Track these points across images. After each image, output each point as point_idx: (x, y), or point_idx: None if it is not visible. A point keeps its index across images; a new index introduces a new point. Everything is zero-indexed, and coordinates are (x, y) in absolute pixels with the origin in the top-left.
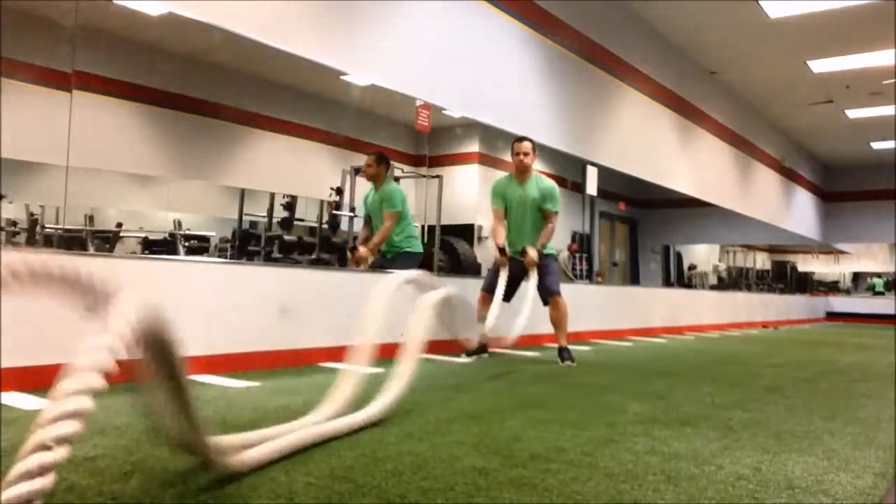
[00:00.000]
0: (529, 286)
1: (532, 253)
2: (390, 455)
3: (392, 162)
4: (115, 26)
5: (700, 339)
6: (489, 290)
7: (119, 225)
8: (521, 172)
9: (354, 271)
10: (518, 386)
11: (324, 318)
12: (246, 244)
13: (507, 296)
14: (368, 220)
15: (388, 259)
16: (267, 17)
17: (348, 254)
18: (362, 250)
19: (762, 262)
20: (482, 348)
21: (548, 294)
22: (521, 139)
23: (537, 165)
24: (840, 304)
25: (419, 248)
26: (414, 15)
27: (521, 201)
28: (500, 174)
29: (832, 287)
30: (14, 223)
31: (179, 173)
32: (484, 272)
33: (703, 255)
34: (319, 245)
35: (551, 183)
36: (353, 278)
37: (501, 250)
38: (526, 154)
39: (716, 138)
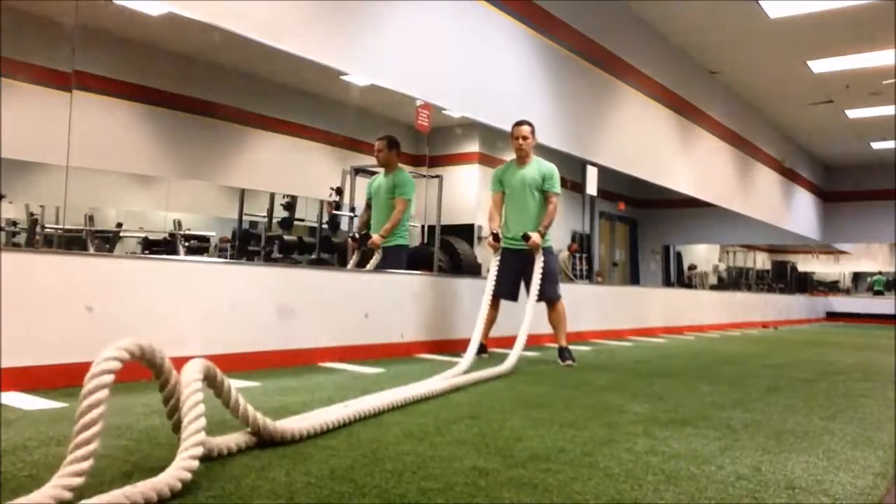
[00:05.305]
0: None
1: (535, 237)
2: (390, 455)
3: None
4: (115, 26)
5: (700, 339)
6: (496, 294)
7: (119, 225)
8: (521, 158)
9: (354, 271)
10: (518, 386)
11: (324, 318)
12: (246, 244)
13: (513, 294)
14: (369, 206)
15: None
16: (267, 17)
17: (348, 244)
18: (376, 238)
19: (762, 262)
20: (482, 348)
21: (546, 300)
22: (520, 123)
23: None
24: (840, 303)
25: (408, 241)
26: (414, 15)
27: (521, 184)
28: None
29: (832, 287)
30: (14, 223)
31: (179, 173)
32: (483, 272)
33: (703, 255)
34: (319, 245)
35: (552, 165)
36: (353, 278)
37: (495, 236)
38: (525, 138)
39: (716, 138)
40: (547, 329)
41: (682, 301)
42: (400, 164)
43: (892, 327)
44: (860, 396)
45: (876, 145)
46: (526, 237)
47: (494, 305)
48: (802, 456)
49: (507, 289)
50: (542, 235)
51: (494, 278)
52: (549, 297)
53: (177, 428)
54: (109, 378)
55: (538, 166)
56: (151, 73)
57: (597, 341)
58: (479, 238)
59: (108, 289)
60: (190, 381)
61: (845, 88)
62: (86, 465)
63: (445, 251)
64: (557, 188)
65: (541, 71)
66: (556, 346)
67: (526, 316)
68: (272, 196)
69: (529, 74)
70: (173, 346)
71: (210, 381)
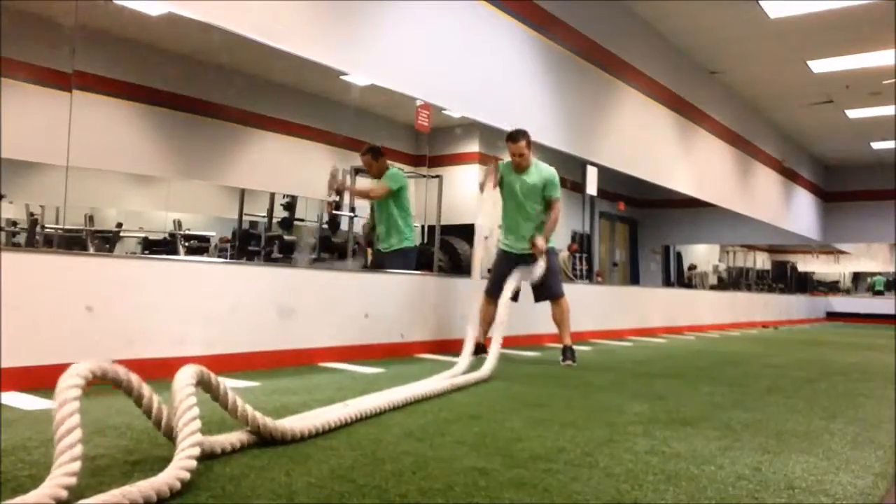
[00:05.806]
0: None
1: (540, 242)
2: (390, 455)
3: (391, 162)
4: (115, 26)
5: (700, 340)
6: (492, 293)
7: (119, 225)
8: (520, 169)
9: (354, 271)
10: (518, 386)
11: (324, 318)
12: (246, 244)
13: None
14: (373, 210)
15: (384, 254)
16: (267, 17)
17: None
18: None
19: (762, 262)
20: (481, 348)
21: (551, 297)
22: (515, 139)
23: None
24: (840, 304)
25: (413, 242)
26: (414, 15)
27: (521, 188)
28: None
29: (832, 287)
30: (14, 223)
31: (179, 173)
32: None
33: (703, 255)
34: (319, 245)
35: (552, 169)
36: (353, 278)
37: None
38: (521, 155)
39: (716, 138)
40: (546, 328)
41: (682, 301)
42: (389, 163)
43: (892, 327)
44: (860, 396)
45: (876, 145)
46: (532, 243)
47: (491, 303)
48: (802, 456)
49: (493, 287)
50: (547, 241)
51: (491, 278)
52: (552, 293)
53: (169, 434)
54: (76, 392)
55: (538, 172)
56: (151, 73)
57: (597, 341)
58: None
59: (108, 289)
60: (182, 386)
61: (845, 88)
62: (75, 465)
63: (445, 251)
64: (558, 193)
65: (541, 71)
66: (556, 345)
67: (498, 317)
68: (272, 196)
69: (529, 74)
70: (173, 346)
71: (205, 385)
